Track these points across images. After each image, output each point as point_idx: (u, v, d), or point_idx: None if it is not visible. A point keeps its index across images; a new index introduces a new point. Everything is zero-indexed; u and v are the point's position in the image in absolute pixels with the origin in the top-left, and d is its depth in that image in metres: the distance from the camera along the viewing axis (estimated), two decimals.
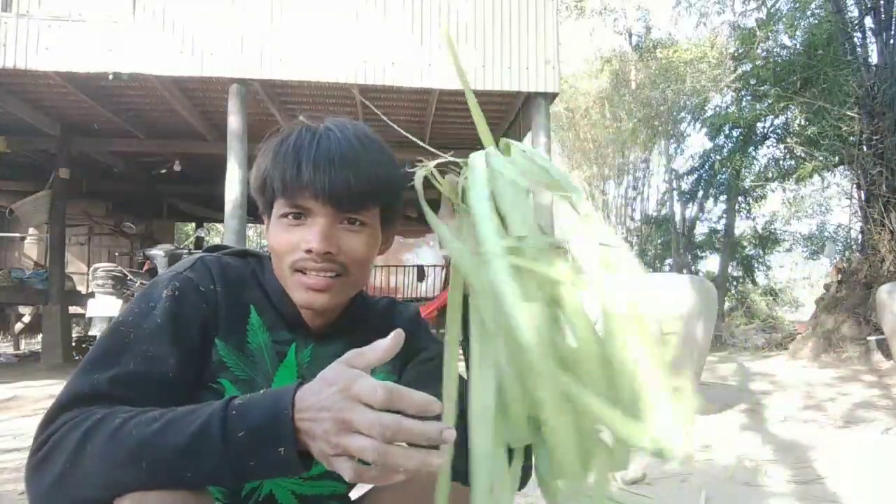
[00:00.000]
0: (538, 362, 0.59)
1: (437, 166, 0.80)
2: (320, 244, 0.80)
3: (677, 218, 13.89)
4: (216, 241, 16.97)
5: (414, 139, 0.88)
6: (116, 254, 9.28)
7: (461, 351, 0.76)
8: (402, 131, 0.91)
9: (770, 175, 11.64)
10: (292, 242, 0.82)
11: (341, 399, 0.58)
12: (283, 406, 0.60)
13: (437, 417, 0.59)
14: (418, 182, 0.77)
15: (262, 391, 0.64)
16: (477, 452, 0.64)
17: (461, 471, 0.74)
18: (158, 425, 0.63)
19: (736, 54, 11.50)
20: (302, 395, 0.61)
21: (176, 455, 0.61)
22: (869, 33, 8.25)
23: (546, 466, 0.68)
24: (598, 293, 0.64)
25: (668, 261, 14.53)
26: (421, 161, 0.79)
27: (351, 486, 1.00)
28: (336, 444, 0.58)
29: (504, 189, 0.71)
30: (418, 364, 0.97)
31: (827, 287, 7.85)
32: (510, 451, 0.68)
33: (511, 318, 0.60)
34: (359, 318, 0.95)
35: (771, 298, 14.31)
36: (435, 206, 0.81)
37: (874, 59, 8.04)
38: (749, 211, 14.02)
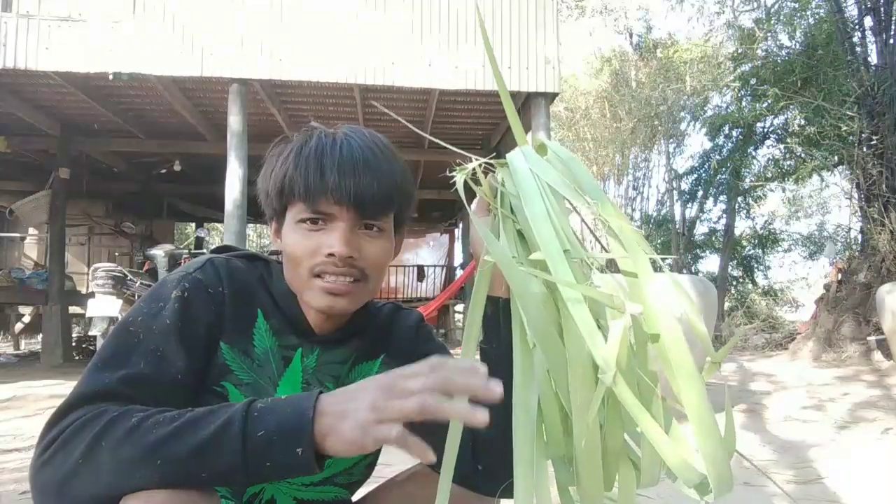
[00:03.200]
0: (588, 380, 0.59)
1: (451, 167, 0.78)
2: (343, 248, 0.80)
3: (677, 218, 13.88)
4: (216, 241, 16.98)
5: (459, 150, 0.85)
6: (116, 254, 9.28)
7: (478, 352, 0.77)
8: (422, 134, 0.90)
9: (770, 175, 11.63)
10: (312, 247, 0.81)
11: (385, 377, 0.62)
12: (306, 408, 0.62)
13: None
14: (460, 184, 0.76)
15: (284, 396, 0.65)
16: (519, 461, 0.64)
17: (462, 473, 0.74)
18: (178, 424, 0.63)
19: (735, 54, 11.49)
20: (326, 397, 0.64)
21: (193, 453, 0.61)
22: (869, 33, 8.25)
23: (564, 475, 0.68)
24: (641, 310, 0.63)
25: (668, 261, 14.53)
26: (460, 163, 0.78)
27: (352, 490, 1.00)
28: (384, 408, 0.59)
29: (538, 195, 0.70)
30: None
31: (827, 287, 7.84)
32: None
33: (585, 339, 0.60)
34: (364, 324, 0.95)
35: (770, 299, 14.30)
36: (440, 206, 0.80)
37: (874, 59, 8.04)
38: (749, 211, 14.02)
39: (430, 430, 0.63)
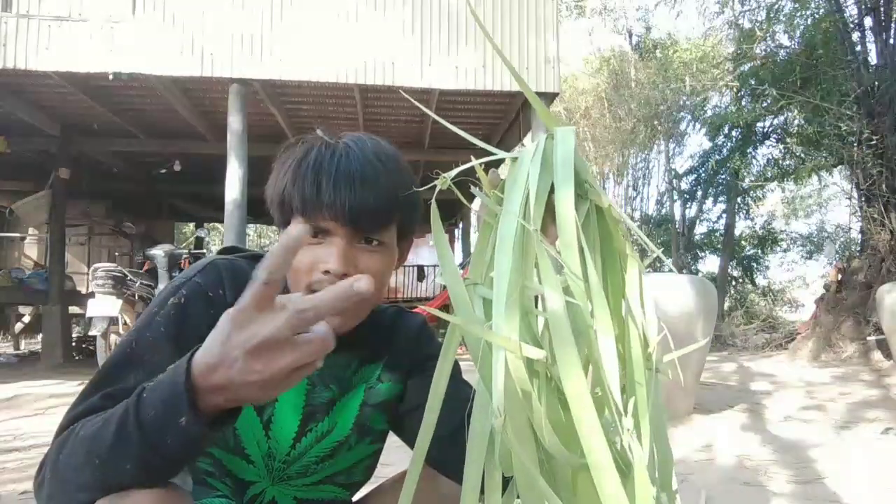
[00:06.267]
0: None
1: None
2: (338, 265, 0.79)
3: (677, 218, 13.88)
4: (216, 240, 16.98)
5: (483, 143, 0.82)
6: (116, 254, 9.27)
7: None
8: (461, 134, 0.85)
9: (769, 175, 11.63)
10: (309, 262, 0.80)
11: (238, 315, 0.55)
12: (178, 375, 0.57)
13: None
14: (436, 191, 0.74)
15: (167, 370, 0.60)
16: (469, 474, 0.63)
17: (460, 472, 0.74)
18: (99, 423, 0.64)
19: (735, 54, 11.49)
20: (200, 356, 0.56)
21: (111, 449, 0.61)
22: (869, 33, 8.25)
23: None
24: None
25: (668, 261, 14.52)
26: (459, 163, 0.75)
27: (353, 491, 1.00)
28: (259, 370, 0.53)
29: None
30: (426, 373, 0.96)
31: (827, 287, 7.85)
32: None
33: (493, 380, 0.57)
34: (368, 329, 0.94)
35: (770, 299, 14.30)
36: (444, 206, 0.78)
37: (874, 58, 8.04)
38: (748, 211, 14.02)
39: (438, 437, 0.64)
